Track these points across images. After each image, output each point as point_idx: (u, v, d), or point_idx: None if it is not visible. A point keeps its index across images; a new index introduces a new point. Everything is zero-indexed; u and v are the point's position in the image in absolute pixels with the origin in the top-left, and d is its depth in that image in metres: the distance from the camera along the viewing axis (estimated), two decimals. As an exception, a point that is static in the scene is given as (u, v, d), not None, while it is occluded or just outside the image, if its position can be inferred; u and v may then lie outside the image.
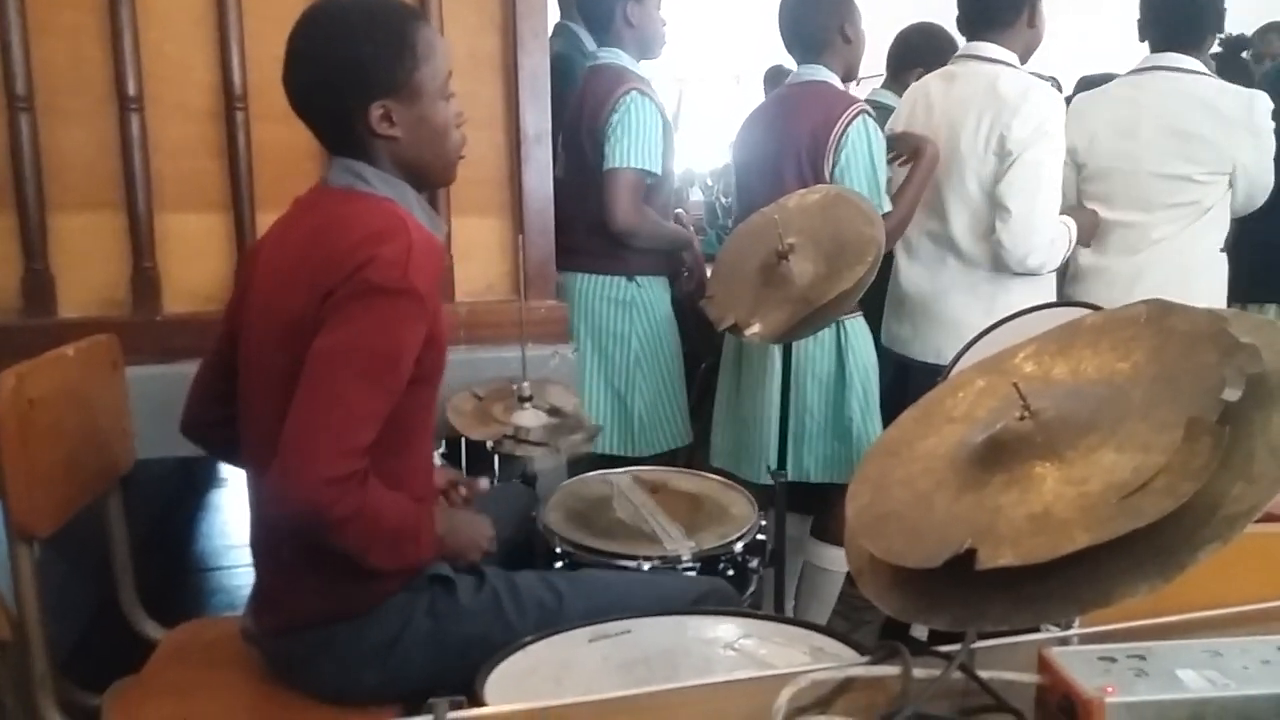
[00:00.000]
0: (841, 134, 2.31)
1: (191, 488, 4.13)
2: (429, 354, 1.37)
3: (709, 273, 2.45)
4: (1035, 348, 1.01)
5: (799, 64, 2.47)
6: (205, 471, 4.11)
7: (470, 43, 2.23)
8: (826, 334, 2.36)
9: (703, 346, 2.90)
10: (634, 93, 2.45)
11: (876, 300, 2.55)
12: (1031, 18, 2.39)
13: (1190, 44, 2.50)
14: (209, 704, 1.52)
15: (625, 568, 1.67)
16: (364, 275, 1.29)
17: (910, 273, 2.52)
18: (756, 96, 3.07)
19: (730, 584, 1.68)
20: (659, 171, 2.50)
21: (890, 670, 0.89)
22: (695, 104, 7.03)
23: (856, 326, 2.42)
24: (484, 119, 2.22)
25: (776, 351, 2.26)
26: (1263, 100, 2.42)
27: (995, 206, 2.30)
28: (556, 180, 2.37)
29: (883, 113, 2.66)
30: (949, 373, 1.90)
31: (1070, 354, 0.96)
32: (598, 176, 2.46)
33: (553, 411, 1.87)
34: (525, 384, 1.87)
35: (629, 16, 2.54)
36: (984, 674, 0.86)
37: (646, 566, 1.67)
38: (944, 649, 0.91)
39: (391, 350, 1.31)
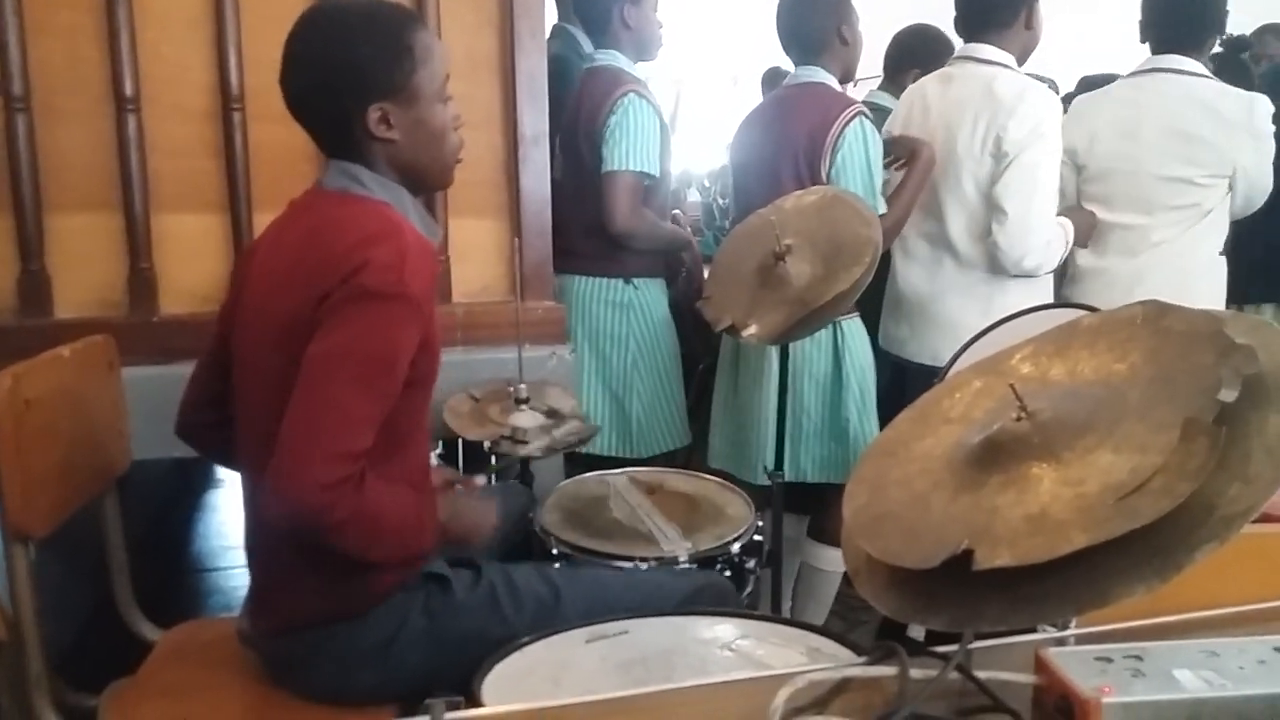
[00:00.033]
0: (839, 135, 2.31)
1: (188, 488, 4.13)
2: (423, 357, 1.37)
3: (706, 274, 2.46)
4: (1032, 349, 1.01)
5: (796, 65, 2.48)
6: (202, 472, 4.11)
7: (467, 44, 2.23)
8: (824, 334, 2.36)
9: (700, 347, 2.90)
10: (631, 95, 2.45)
11: (874, 301, 2.55)
12: (1029, 19, 2.39)
13: (1192, 46, 2.50)
14: (205, 705, 1.51)
15: (622, 569, 1.67)
16: (358, 279, 1.29)
17: (907, 274, 2.53)
18: (754, 98, 3.07)
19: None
20: (657, 173, 2.50)
21: (887, 671, 0.89)
22: (692, 105, 7.02)
23: (853, 327, 2.42)
24: (481, 120, 2.22)
25: (774, 352, 2.27)
26: (1264, 103, 2.42)
27: (991, 208, 2.31)
28: (554, 182, 2.37)
29: (879, 114, 2.66)
30: (946, 374, 1.90)
31: (1067, 355, 0.96)
32: (595, 179, 2.46)
33: (550, 413, 1.87)
34: (522, 385, 1.88)
35: (626, 18, 2.54)
36: (981, 674, 0.87)
37: (644, 567, 1.67)
38: (941, 649, 0.91)
39: (386, 355, 1.31)
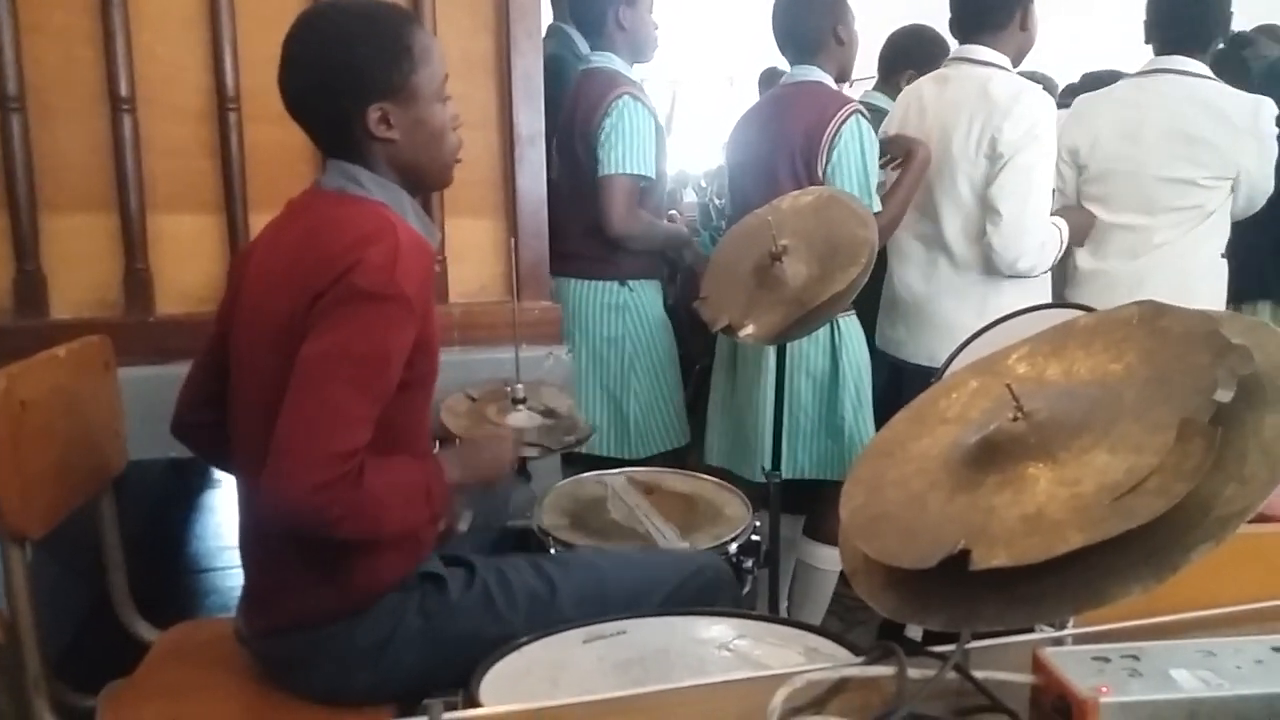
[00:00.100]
0: (835, 132, 2.31)
1: (185, 489, 4.12)
2: (420, 357, 1.37)
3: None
4: (1028, 349, 1.01)
5: (792, 65, 2.48)
6: (198, 473, 4.10)
7: (464, 45, 2.23)
8: (821, 332, 2.36)
9: (697, 347, 2.90)
10: (625, 97, 2.46)
11: (870, 302, 2.55)
12: (1023, 21, 2.40)
13: (1196, 47, 2.50)
14: (203, 705, 1.51)
15: (616, 552, 1.68)
16: (350, 279, 1.29)
17: (903, 275, 2.53)
18: (750, 98, 3.08)
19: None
20: (652, 175, 2.51)
21: (885, 671, 0.89)
22: (689, 106, 7.02)
23: (850, 325, 2.43)
24: (477, 121, 2.22)
25: (771, 350, 2.27)
26: (1269, 106, 2.42)
27: (986, 210, 2.31)
28: (551, 184, 2.37)
29: (875, 115, 2.66)
30: (942, 374, 1.91)
31: (1063, 355, 0.96)
32: (591, 180, 2.47)
33: (547, 413, 1.86)
34: (519, 385, 1.87)
35: (621, 20, 2.54)
36: (979, 674, 0.87)
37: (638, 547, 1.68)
38: (939, 649, 0.91)
39: (379, 355, 1.30)
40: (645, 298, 2.60)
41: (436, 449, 1.64)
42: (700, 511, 1.90)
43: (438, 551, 1.51)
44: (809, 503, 2.54)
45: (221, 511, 3.97)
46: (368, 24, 1.37)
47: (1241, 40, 3.09)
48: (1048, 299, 2.45)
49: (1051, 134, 2.30)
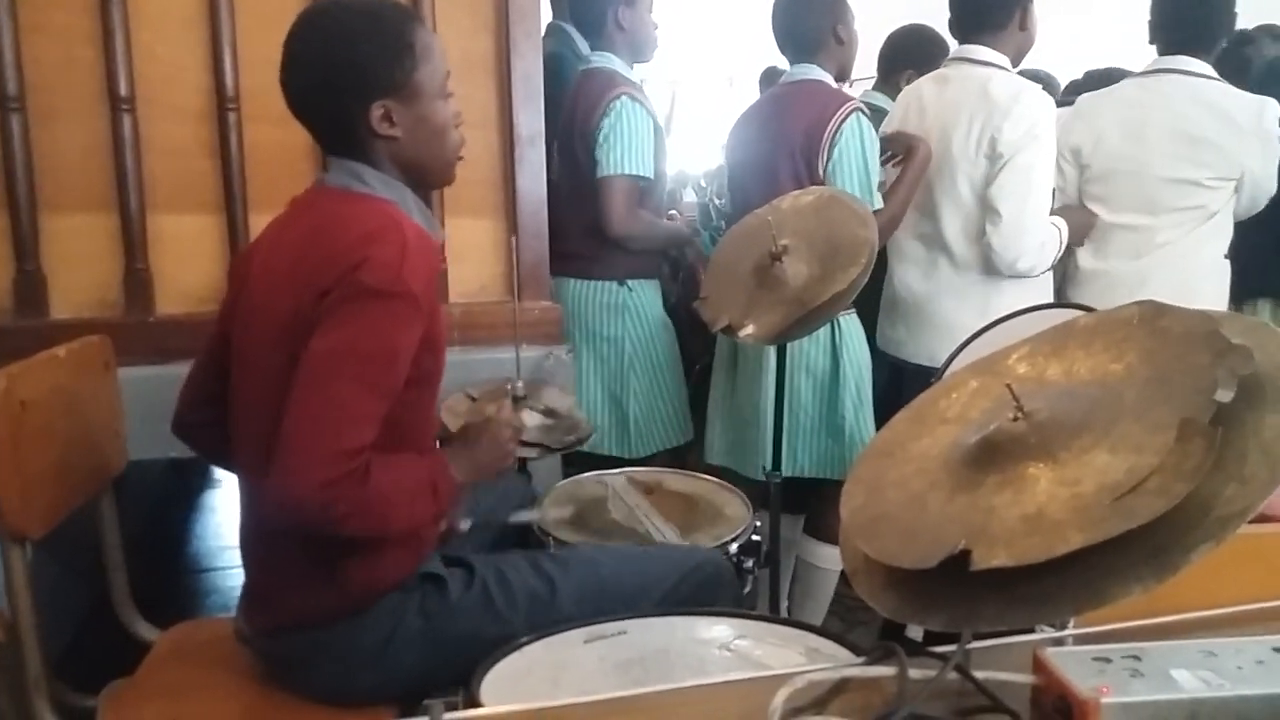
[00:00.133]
0: (835, 131, 2.31)
1: (185, 488, 4.12)
2: (426, 355, 1.37)
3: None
4: (1029, 349, 1.01)
5: (792, 64, 2.48)
6: (199, 472, 4.11)
7: (463, 45, 2.23)
8: (821, 331, 2.36)
9: (697, 347, 2.90)
10: (624, 97, 2.46)
11: (871, 302, 2.55)
12: (1023, 20, 2.39)
13: (1200, 48, 2.49)
14: (204, 705, 1.51)
15: (616, 548, 1.68)
16: (357, 277, 1.28)
17: (903, 275, 2.53)
18: (750, 98, 3.07)
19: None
20: (651, 175, 2.51)
21: (886, 671, 0.89)
22: (689, 106, 7.02)
23: (851, 324, 2.43)
24: (477, 121, 2.22)
25: (771, 349, 2.27)
26: (1272, 107, 2.41)
27: (986, 210, 2.31)
28: (551, 184, 2.37)
29: (874, 114, 2.66)
30: (942, 374, 1.91)
31: (1063, 355, 0.96)
32: (591, 180, 2.47)
33: (547, 412, 1.87)
34: (519, 384, 1.88)
35: (620, 20, 2.54)
36: (979, 674, 0.87)
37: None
38: (939, 649, 0.91)
39: (386, 353, 1.30)
40: (645, 297, 2.60)
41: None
42: (700, 511, 1.90)
43: (438, 552, 1.51)
44: (810, 502, 2.54)
45: (222, 511, 3.97)
46: (370, 21, 1.37)
47: (1243, 38, 3.09)
48: (1048, 299, 2.45)
49: (1051, 134, 2.30)
